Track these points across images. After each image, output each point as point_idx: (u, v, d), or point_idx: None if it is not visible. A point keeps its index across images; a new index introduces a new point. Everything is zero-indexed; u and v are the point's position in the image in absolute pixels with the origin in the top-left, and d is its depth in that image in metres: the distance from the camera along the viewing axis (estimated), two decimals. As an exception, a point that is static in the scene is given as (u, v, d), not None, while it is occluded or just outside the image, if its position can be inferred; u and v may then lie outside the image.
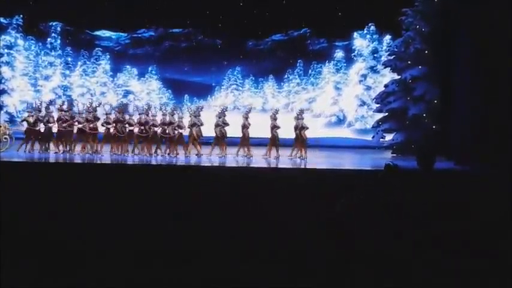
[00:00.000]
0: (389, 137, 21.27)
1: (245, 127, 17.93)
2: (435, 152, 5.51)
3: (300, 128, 17.72)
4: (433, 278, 3.98)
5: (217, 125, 17.90)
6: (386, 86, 21.73)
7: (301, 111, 18.41)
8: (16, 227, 5.43)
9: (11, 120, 25.25)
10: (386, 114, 21.05)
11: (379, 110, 21.96)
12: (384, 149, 21.35)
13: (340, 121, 29.59)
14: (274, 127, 17.74)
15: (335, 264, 4.22)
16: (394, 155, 20.13)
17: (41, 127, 18.13)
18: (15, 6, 27.40)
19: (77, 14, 27.97)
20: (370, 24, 29.01)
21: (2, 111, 26.09)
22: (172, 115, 18.05)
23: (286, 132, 18.19)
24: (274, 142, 17.78)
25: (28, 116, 18.26)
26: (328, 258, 4.30)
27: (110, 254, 4.57)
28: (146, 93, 30.76)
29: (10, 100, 27.36)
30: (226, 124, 17.86)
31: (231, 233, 5.12)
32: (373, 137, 22.05)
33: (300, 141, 17.71)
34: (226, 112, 18.27)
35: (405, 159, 18.77)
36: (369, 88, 28.80)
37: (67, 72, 29.99)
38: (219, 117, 17.99)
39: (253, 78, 31.06)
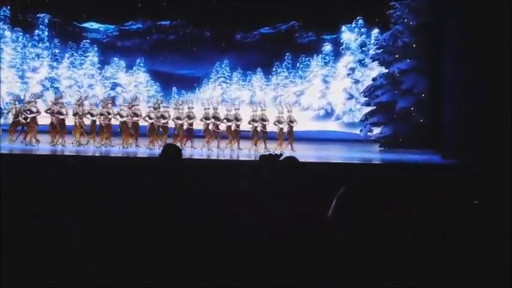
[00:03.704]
0: (377, 130, 21.44)
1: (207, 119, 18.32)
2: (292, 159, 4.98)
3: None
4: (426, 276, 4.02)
5: (264, 120, 18.25)
6: (374, 79, 21.90)
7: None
8: (11, 222, 5.38)
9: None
10: (374, 107, 21.21)
11: (367, 104, 22.14)
12: (371, 143, 21.52)
13: (328, 114, 29.66)
14: (178, 118, 18.29)
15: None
16: (382, 148, 20.31)
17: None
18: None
19: (64, 6, 27.71)
20: (358, 18, 29.07)
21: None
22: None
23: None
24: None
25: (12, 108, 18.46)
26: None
27: (113, 253, 4.57)
28: (134, 85, 30.63)
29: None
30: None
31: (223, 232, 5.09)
32: (361, 131, 22.22)
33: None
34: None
35: (393, 152, 18.97)
36: (357, 81, 28.89)
37: (54, 64, 29.79)
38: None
39: (241, 71, 30.99)
